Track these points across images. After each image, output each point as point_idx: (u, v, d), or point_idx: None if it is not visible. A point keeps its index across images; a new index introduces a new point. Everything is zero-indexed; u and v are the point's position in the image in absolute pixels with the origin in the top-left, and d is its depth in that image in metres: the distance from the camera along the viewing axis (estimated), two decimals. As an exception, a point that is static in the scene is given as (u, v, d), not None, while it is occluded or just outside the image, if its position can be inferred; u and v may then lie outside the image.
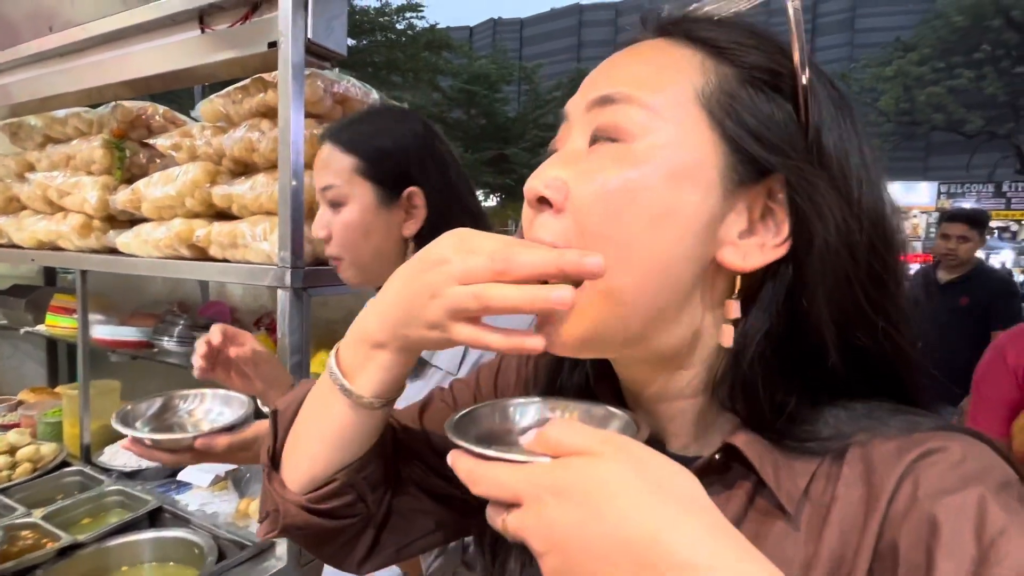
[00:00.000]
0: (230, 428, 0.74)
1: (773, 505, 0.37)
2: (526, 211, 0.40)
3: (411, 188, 0.83)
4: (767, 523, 0.37)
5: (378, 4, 13.13)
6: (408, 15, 13.67)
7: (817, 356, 0.37)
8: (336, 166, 0.83)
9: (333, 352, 0.46)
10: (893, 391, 0.39)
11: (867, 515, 0.34)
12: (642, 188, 0.36)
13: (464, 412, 0.40)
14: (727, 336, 0.38)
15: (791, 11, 0.36)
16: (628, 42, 0.43)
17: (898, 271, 0.38)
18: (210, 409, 0.84)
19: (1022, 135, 17.14)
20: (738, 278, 0.38)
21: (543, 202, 0.38)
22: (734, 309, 0.38)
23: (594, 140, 0.39)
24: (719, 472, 0.39)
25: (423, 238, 0.84)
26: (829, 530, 0.35)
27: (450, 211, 0.84)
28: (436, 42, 14.44)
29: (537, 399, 0.42)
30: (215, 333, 0.82)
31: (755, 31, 0.39)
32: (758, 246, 0.37)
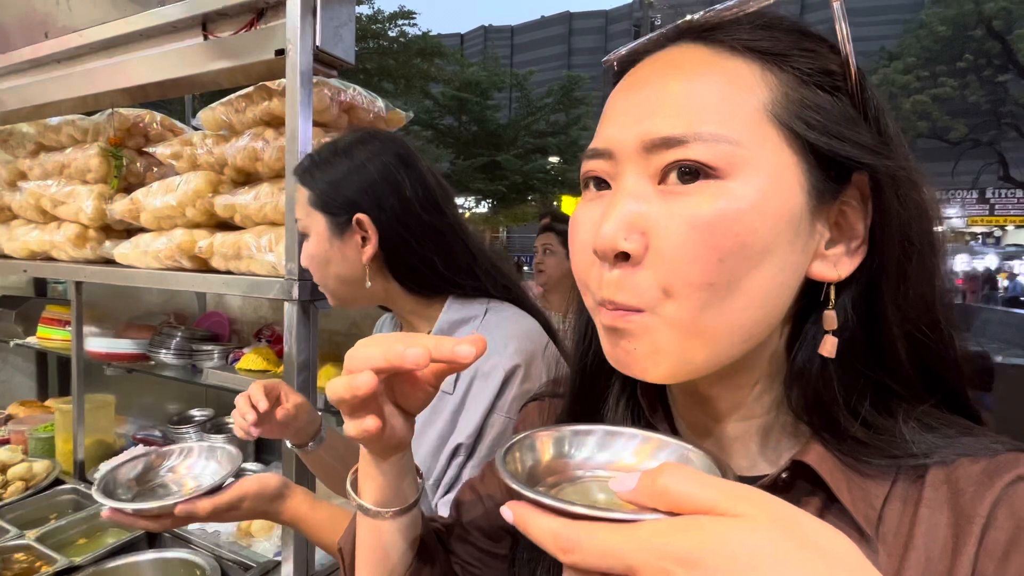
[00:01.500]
0: (212, 491, 0.71)
1: (846, 525, 0.35)
2: (591, 264, 0.37)
3: (358, 215, 0.83)
4: None
5: (370, 11, 13.13)
6: (400, 22, 13.67)
7: (889, 360, 0.36)
8: (300, 199, 0.87)
9: (349, 480, 0.50)
10: (949, 397, 0.38)
11: (957, 540, 0.33)
12: (739, 227, 0.33)
13: (511, 445, 0.35)
14: (830, 347, 0.36)
15: (836, 8, 0.34)
16: (657, 44, 0.38)
17: (941, 261, 0.37)
18: (194, 464, 0.81)
19: (1005, 142, 17.47)
20: (831, 288, 0.36)
21: (620, 256, 0.35)
22: (832, 320, 0.36)
23: (663, 178, 0.35)
24: (783, 491, 0.37)
25: (386, 260, 0.84)
26: (915, 554, 0.34)
27: (409, 230, 0.84)
28: (428, 49, 14.44)
29: (594, 426, 0.38)
30: (259, 397, 0.77)
31: (803, 31, 0.37)
32: (844, 253, 0.36)
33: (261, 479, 0.75)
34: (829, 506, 0.36)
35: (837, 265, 0.36)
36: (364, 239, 0.84)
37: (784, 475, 0.37)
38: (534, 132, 17.83)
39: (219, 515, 0.72)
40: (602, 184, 0.38)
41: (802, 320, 0.38)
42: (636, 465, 0.36)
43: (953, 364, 0.38)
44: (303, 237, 0.89)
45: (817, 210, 0.35)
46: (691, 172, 0.34)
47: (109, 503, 0.70)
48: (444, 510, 0.76)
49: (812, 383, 0.37)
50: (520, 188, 17.51)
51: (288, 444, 0.89)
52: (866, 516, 0.35)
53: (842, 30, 0.34)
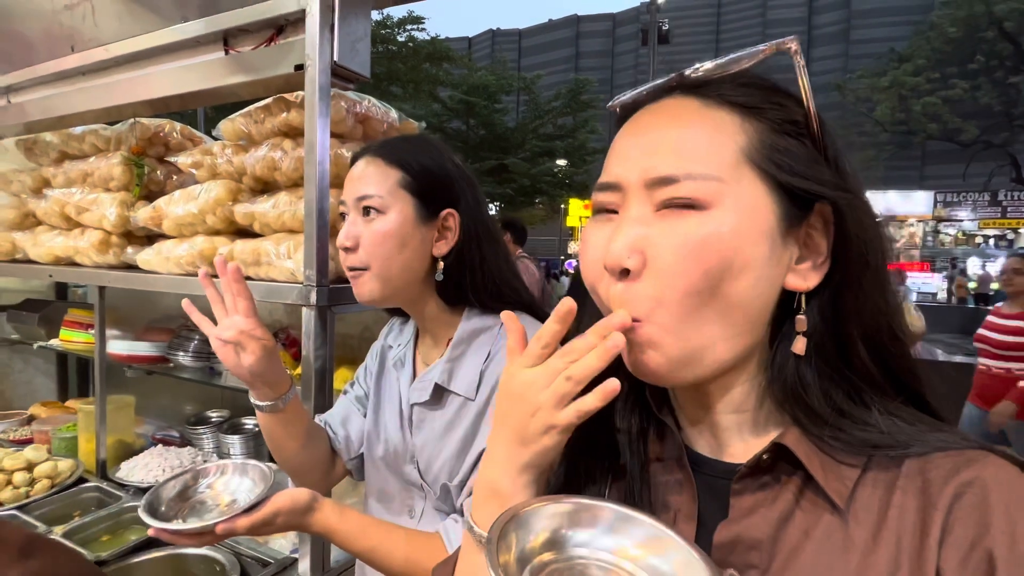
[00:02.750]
0: (249, 509, 0.75)
1: (822, 500, 0.41)
2: (602, 277, 0.44)
3: (448, 209, 0.85)
4: (814, 519, 0.41)
5: (379, 17, 13.23)
6: (409, 27, 13.78)
7: (853, 358, 0.42)
8: (378, 177, 0.83)
9: (468, 517, 0.49)
10: (914, 397, 0.44)
11: (924, 525, 0.38)
12: (719, 248, 0.40)
13: (509, 520, 0.39)
14: (800, 346, 0.43)
15: (798, 67, 0.41)
16: (655, 95, 0.46)
17: (891, 276, 0.44)
18: (229, 481, 0.85)
19: (1017, 144, 17.28)
20: (801, 296, 0.43)
21: (624, 271, 0.42)
22: (802, 323, 0.43)
23: (659, 209, 0.42)
24: (767, 471, 0.43)
25: (453, 259, 0.85)
26: (887, 533, 0.39)
27: (478, 237, 0.87)
28: (436, 54, 14.53)
29: (606, 504, 0.42)
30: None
31: (776, 88, 0.44)
32: (811, 267, 0.43)
33: (293, 495, 0.78)
34: (807, 484, 0.42)
35: (806, 278, 0.43)
36: (441, 234, 0.85)
37: (766, 456, 0.43)
38: (542, 135, 17.88)
39: (256, 531, 0.75)
40: (611, 212, 0.45)
41: (781, 325, 0.45)
42: (641, 558, 0.40)
43: (909, 366, 0.44)
44: (376, 215, 0.83)
45: (787, 233, 0.42)
46: (683, 205, 0.41)
47: (156, 524, 0.73)
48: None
49: (789, 377, 0.43)
50: (528, 191, 17.55)
51: (253, 399, 0.87)
52: (838, 491, 0.40)
53: (804, 86, 0.42)
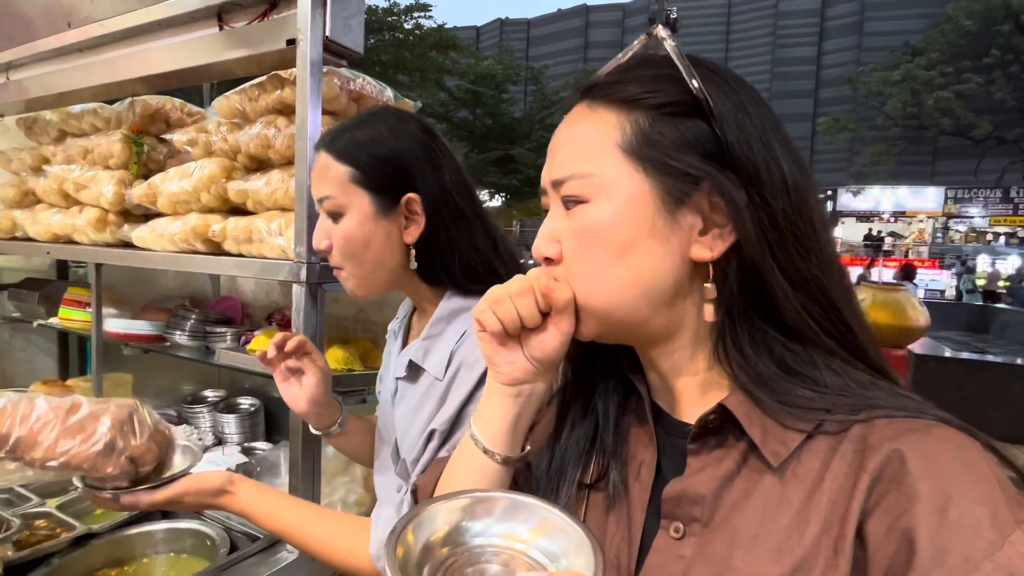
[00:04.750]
0: (156, 487, 0.81)
1: (764, 464, 0.43)
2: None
3: (409, 195, 0.81)
4: (756, 479, 0.44)
5: (386, 4, 13.16)
6: (416, 15, 13.70)
7: (784, 317, 0.44)
8: (332, 175, 0.81)
9: (471, 421, 0.56)
10: (861, 357, 0.46)
11: (853, 489, 0.40)
12: (603, 233, 0.46)
13: (405, 523, 0.42)
14: (709, 312, 0.46)
15: (671, 51, 0.45)
16: (566, 107, 0.52)
17: (818, 235, 0.45)
18: (174, 457, 0.90)
19: (1031, 140, 17.04)
20: (710, 265, 0.46)
21: (548, 259, 0.50)
22: (711, 291, 0.46)
23: (566, 206, 0.49)
24: (715, 433, 0.46)
25: (422, 244, 0.83)
26: (819, 496, 0.41)
27: (448, 216, 0.83)
28: (443, 42, 14.45)
29: (498, 495, 0.45)
30: (284, 341, 0.89)
31: (656, 73, 0.46)
32: (717, 236, 0.46)
33: (202, 477, 0.84)
34: (754, 446, 0.44)
35: (712, 247, 0.46)
36: (408, 220, 0.82)
37: (712, 416, 0.45)
38: (549, 126, 17.76)
39: (168, 505, 0.82)
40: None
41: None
42: (530, 541, 0.42)
43: (846, 324, 0.45)
44: (336, 216, 0.82)
45: (675, 210, 0.46)
46: (574, 202, 0.48)
47: (79, 484, 0.81)
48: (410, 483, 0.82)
49: (721, 342, 0.46)
50: (534, 182, 17.46)
51: (312, 429, 0.97)
52: (775, 453, 0.43)
53: (680, 67, 0.45)
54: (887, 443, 0.40)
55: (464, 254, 0.84)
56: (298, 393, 0.89)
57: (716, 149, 0.45)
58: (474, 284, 0.84)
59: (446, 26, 14.78)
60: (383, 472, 0.95)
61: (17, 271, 2.19)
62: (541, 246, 0.50)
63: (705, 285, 0.46)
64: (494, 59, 18.71)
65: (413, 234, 0.82)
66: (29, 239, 1.73)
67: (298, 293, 1.08)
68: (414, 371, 0.87)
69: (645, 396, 0.53)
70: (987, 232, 16.83)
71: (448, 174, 0.84)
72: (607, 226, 0.46)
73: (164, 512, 1.28)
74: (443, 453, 0.79)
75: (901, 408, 0.41)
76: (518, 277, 0.51)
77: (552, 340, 0.50)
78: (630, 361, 0.54)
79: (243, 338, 1.56)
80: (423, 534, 0.42)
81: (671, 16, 12.54)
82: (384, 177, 0.81)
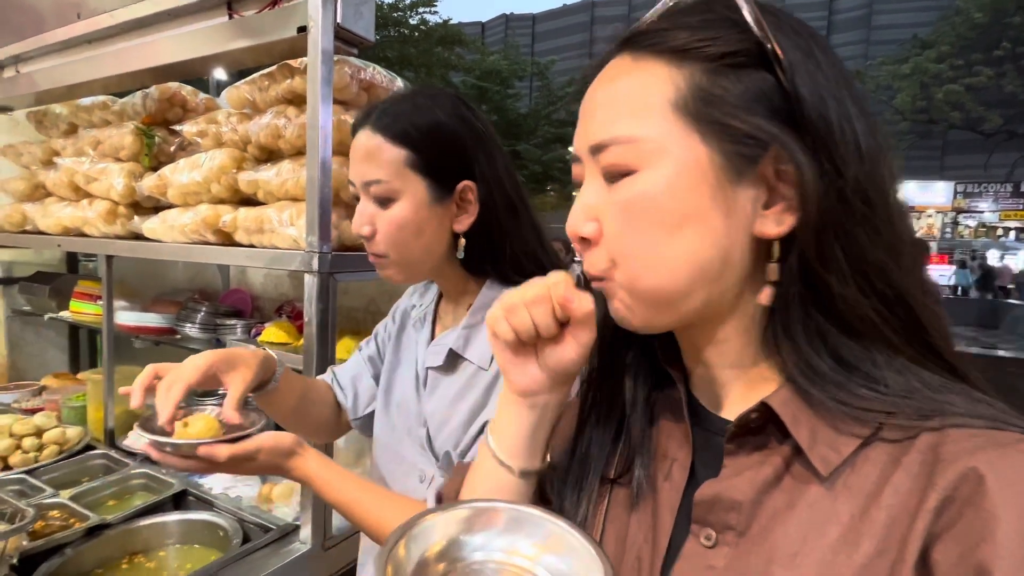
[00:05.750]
0: (235, 439, 0.75)
1: (811, 472, 0.38)
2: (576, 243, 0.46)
3: (465, 182, 0.78)
4: (801, 488, 0.38)
5: (391, -1, 13.14)
6: (421, 10, 13.66)
7: (844, 307, 0.39)
8: (384, 159, 0.76)
9: (487, 430, 0.54)
10: (931, 354, 0.40)
11: (918, 508, 0.34)
12: (654, 207, 0.40)
13: (403, 532, 0.39)
14: (767, 295, 0.41)
15: None
16: (602, 60, 0.45)
17: (891, 212, 0.39)
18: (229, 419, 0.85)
19: (1042, 134, 16.86)
20: (775, 243, 0.40)
21: (584, 239, 0.44)
22: (773, 271, 0.40)
23: (607, 176, 0.42)
24: (756, 433, 0.41)
25: (473, 233, 0.80)
26: (877, 512, 0.35)
27: (500, 204, 0.80)
28: (449, 37, 14.41)
29: (500, 505, 0.42)
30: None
31: (711, 18, 0.40)
32: (784, 210, 0.39)
33: (277, 436, 0.78)
34: (799, 452, 0.39)
35: (779, 222, 0.39)
36: (460, 208, 0.79)
37: (754, 415, 0.40)
38: (554, 122, 17.71)
39: (237, 463, 0.75)
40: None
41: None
42: (535, 557, 0.40)
43: (914, 317, 0.39)
44: (386, 202, 0.77)
45: (737, 180, 0.39)
46: (617, 172, 0.41)
47: (147, 435, 0.74)
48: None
49: (774, 328, 0.41)
50: (539, 178, 17.44)
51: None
52: (824, 459, 0.37)
53: (745, 11, 0.38)
54: (963, 458, 0.34)
55: (513, 245, 0.81)
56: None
57: (784, 106, 0.38)
58: (518, 275, 0.82)
59: (451, 21, 14.73)
60: (397, 462, 0.93)
61: (28, 265, 2.19)
62: (577, 224, 0.43)
63: (769, 265, 0.40)
64: (500, 55, 18.63)
65: (464, 223, 0.79)
66: (40, 232, 1.74)
67: (310, 283, 1.07)
68: (452, 360, 0.84)
69: (682, 389, 0.47)
70: (997, 227, 16.65)
71: (499, 161, 0.81)
72: (659, 198, 0.39)
73: (176, 504, 1.28)
74: None
75: (980, 416, 0.35)
76: (534, 282, 0.47)
77: (569, 352, 0.46)
78: (664, 349, 0.49)
79: (253, 330, 1.56)
80: (418, 548, 0.39)
81: (678, 10, 12.42)
82: (443, 163, 0.77)
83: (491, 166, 0.80)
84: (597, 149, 0.42)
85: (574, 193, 0.46)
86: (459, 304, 0.88)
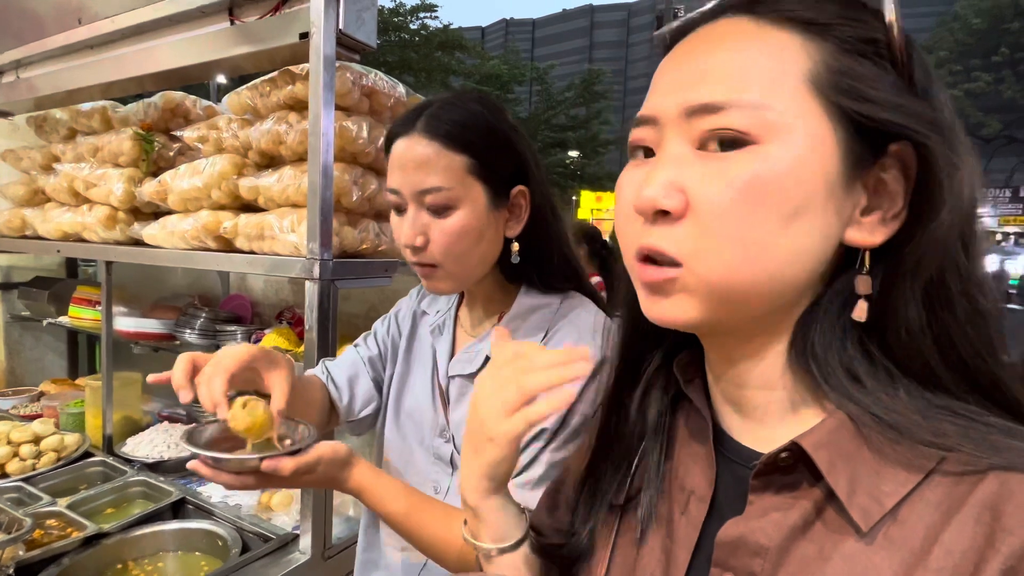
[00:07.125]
0: (295, 452, 0.71)
1: (848, 521, 0.34)
2: (631, 222, 0.38)
3: (520, 187, 0.77)
4: (835, 537, 0.34)
5: (392, 4, 13.19)
6: (422, 15, 13.71)
7: (890, 331, 0.35)
8: (444, 165, 0.73)
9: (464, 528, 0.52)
10: (993, 395, 0.36)
11: (983, 556, 0.30)
12: (774, 189, 0.34)
13: None
14: (861, 311, 0.36)
15: None
16: (704, 16, 0.39)
17: (979, 244, 0.35)
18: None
19: (1041, 139, 16.92)
20: (866, 254, 0.36)
21: (660, 213, 0.36)
22: (866, 284, 0.36)
23: (703, 145, 0.36)
24: (784, 472, 0.37)
25: (524, 238, 0.79)
26: (928, 566, 0.31)
27: (548, 209, 0.80)
28: (449, 42, 14.46)
29: None
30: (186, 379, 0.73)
31: (848, 0, 0.36)
32: (879, 220, 0.36)
33: (335, 445, 0.74)
34: (833, 496, 0.35)
35: (873, 232, 0.36)
36: (513, 212, 0.78)
37: (784, 455, 0.36)
38: (554, 126, 17.77)
39: (298, 477, 0.71)
40: (649, 153, 0.39)
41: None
42: None
43: (978, 354, 0.35)
44: (444, 210, 0.73)
45: (853, 176, 0.35)
46: (730, 141, 0.35)
47: (200, 451, 0.69)
48: (514, 491, 0.74)
49: (828, 347, 0.36)
50: (539, 182, 17.47)
51: None
52: (864, 510, 0.33)
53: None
54: None
55: (560, 250, 0.81)
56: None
57: (919, 107, 0.34)
58: (559, 282, 0.81)
59: (452, 26, 14.78)
60: (408, 473, 0.89)
61: (27, 270, 2.18)
62: (656, 194, 0.36)
63: (860, 277, 0.36)
64: (500, 59, 18.70)
65: (515, 229, 0.78)
66: (39, 237, 1.73)
67: (311, 290, 1.07)
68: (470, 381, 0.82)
69: (706, 414, 0.43)
70: (996, 232, 16.69)
71: (542, 165, 0.81)
72: (783, 180, 0.34)
73: (174, 512, 1.27)
74: (547, 454, 0.73)
75: None
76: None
77: (545, 409, 0.45)
78: (684, 367, 0.46)
79: (253, 336, 1.55)
80: None
81: (678, 14, 12.48)
82: (502, 168, 0.76)
83: (538, 171, 0.79)
84: (706, 110, 0.35)
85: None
86: (489, 310, 0.85)
